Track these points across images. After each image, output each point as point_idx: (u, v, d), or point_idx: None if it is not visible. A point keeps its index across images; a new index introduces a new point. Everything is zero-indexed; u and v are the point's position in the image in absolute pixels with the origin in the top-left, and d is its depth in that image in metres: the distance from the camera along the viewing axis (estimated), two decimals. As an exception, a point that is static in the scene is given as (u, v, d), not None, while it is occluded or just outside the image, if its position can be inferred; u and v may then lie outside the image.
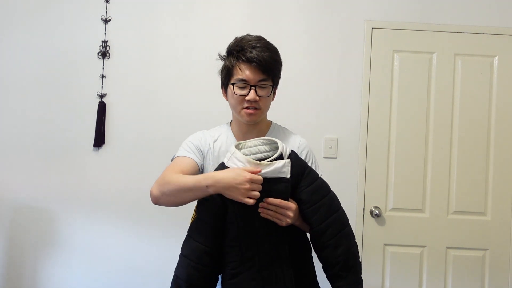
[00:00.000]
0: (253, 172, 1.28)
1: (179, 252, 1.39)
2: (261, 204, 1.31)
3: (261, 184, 1.28)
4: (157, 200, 1.42)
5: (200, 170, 1.50)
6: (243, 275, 1.32)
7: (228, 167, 1.32)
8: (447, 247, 2.45)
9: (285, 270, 1.35)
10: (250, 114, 1.45)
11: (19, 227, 2.41)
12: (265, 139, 1.39)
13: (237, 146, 1.37)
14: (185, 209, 1.60)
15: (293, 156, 1.36)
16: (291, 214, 1.32)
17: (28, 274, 2.40)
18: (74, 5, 2.43)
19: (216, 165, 1.43)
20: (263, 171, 1.29)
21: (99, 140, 2.40)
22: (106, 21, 2.43)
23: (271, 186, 1.30)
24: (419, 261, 2.46)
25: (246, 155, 1.33)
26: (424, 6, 2.48)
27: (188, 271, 1.33)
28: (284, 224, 1.33)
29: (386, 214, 2.46)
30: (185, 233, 1.42)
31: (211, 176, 1.31)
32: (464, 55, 2.47)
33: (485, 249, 2.46)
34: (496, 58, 2.47)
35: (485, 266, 2.46)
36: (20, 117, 2.42)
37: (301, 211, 1.36)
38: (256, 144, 1.38)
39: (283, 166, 1.30)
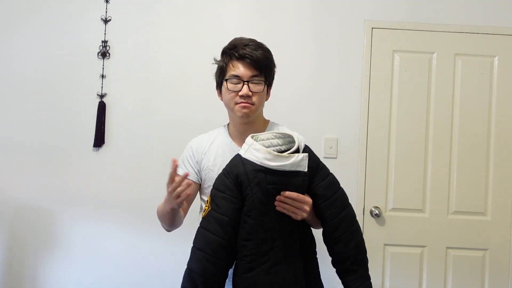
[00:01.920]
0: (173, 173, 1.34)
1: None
2: (278, 197, 1.30)
3: (278, 177, 1.28)
4: (165, 229, 1.59)
5: (198, 179, 1.56)
6: (258, 269, 1.32)
7: (245, 159, 1.31)
8: (447, 247, 2.45)
9: (296, 265, 1.36)
10: (244, 107, 1.45)
11: (19, 227, 2.41)
12: (279, 133, 1.38)
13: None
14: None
15: (307, 150, 1.36)
16: (307, 208, 1.33)
17: (28, 274, 2.40)
18: (74, 5, 2.43)
19: (216, 168, 1.43)
20: (282, 163, 1.28)
21: (99, 140, 2.40)
22: (106, 21, 2.43)
23: (288, 179, 1.29)
24: (419, 261, 2.46)
25: None
26: (424, 6, 2.48)
27: (203, 264, 1.31)
28: (299, 218, 1.33)
29: (386, 214, 2.46)
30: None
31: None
32: (464, 55, 2.47)
33: (485, 249, 2.46)
34: (496, 58, 2.47)
35: (485, 266, 2.46)
36: (20, 117, 2.42)
37: (316, 205, 1.36)
38: (269, 137, 1.37)
39: (302, 159, 1.29)
